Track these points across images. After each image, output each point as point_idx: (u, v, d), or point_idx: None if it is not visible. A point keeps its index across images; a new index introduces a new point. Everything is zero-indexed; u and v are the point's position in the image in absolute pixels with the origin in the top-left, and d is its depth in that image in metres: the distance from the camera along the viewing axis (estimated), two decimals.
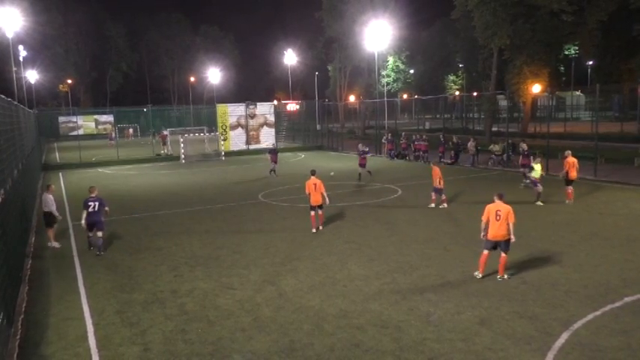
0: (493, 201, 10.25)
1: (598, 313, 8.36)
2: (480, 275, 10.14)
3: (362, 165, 23.55)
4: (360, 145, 24.61)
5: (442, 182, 16.74)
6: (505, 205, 10.07)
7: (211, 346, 7.72)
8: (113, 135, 55.35)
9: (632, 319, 8.13)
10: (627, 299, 8.86)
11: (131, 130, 65.94)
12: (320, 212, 14.38)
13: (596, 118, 27.42)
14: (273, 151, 26.41)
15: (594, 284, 9.66)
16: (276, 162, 25.94)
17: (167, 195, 21.90)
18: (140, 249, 13.31)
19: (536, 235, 13.33)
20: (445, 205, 16.98)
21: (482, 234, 10.27)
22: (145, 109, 68.68)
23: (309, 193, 14.13)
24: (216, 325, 8.46)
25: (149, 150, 40.22)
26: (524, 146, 21.39)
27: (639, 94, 44.18)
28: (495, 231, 9.97)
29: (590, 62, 60.93)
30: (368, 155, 24.03)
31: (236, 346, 7.69)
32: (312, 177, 14.38)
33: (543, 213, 15.88)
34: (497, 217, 9.93)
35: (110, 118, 67.67)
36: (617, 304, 8.66)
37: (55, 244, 13.72)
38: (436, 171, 16.73)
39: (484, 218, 10.12)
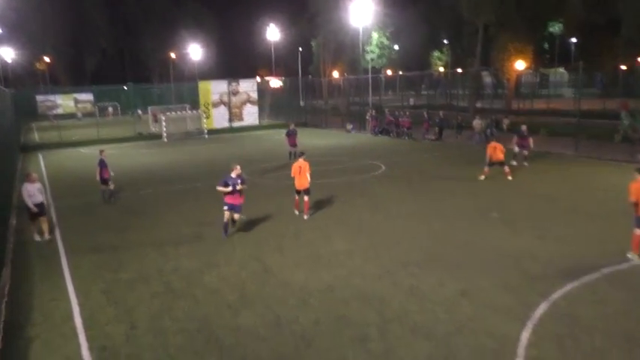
0: (635, 178, 9.44)
1: (576, 284, 8.59)
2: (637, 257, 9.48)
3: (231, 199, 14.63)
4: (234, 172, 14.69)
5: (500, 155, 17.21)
6: None
7: (198, 322, 7.78)
8: (79, 115, 56.58)
9: (608, 289, 8.38)
10: (604, 270, 9.11)
11: (111, 109, 64.71)
12: (306, 198, 13.28)
13: (578, 95, 27.65)
14: (292, 133, 23.23)
15: (573, 256, 9.90)
16: (295, 145, 22.69)
17: (150, 174, 21.69)
18: (125, 228, 13.23)
19: (517, 208, 13.57)
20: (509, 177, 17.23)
21: None
22: (125, 87, 67.29)
23: (294, 177, 13.15)
24: (202, 302, 8.51)
25: (131, 129, 39.62)
26: (523, 127, 20.49)
27: (620, 71, 44.61)
28: None
29: (574, 40, 61.13)
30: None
31: (222, 322, 7.76)
32: (300, 159, 13.27)
33: (524, 187, 16.12)
34: None
35: (90, 96, 66.25)
36: (594, 276, 8.91)
37: (39, 237, 12.50)
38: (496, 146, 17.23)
39: (633, 197, 9.35)
